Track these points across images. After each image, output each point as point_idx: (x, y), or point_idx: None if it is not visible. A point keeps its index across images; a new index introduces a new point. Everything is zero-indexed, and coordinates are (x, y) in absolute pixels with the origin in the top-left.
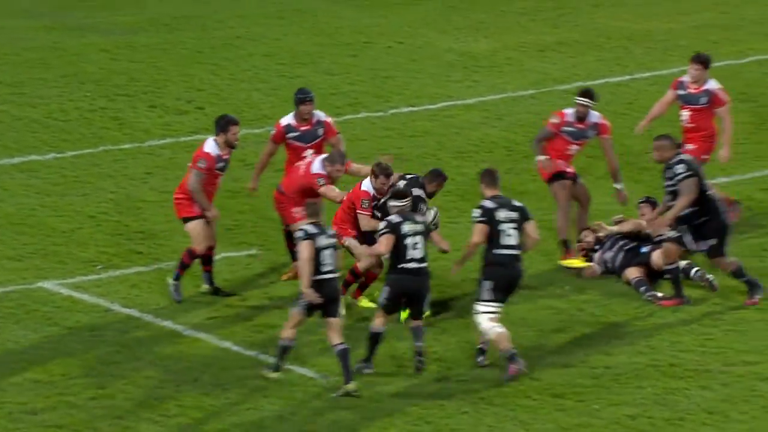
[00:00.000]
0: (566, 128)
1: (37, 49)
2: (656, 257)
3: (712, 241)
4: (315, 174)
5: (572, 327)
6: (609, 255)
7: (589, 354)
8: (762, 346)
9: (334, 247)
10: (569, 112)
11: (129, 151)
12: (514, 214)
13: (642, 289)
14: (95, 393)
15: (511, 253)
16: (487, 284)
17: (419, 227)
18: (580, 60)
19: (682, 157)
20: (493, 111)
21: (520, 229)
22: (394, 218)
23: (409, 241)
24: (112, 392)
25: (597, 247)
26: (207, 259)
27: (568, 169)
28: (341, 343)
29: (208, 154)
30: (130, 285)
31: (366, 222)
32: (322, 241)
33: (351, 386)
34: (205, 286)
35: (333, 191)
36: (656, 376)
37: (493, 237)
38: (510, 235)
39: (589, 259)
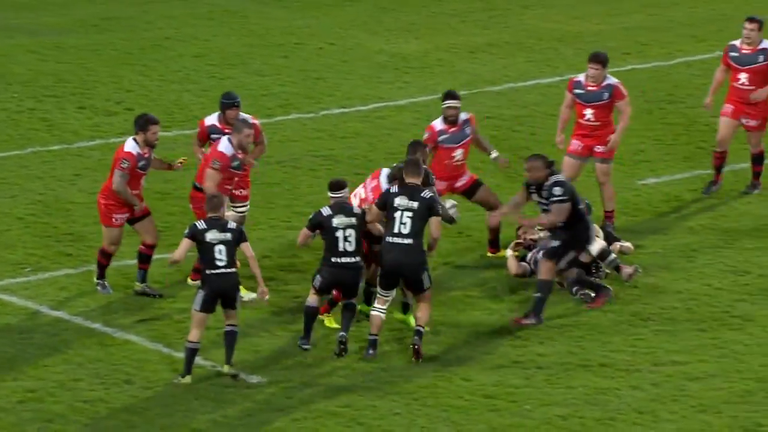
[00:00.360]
0: (442, 137)
1: None
2: (584, 256)
3: (556, 244)
4: (219, 153)
5: (505, 328)
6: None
7: (521, 355)
8: (691, 346)
9: (226, 242)
10: (437, 122)
11: (57, 152)
12: (413, 204)
13: (574, 289)
14: (24, 396)
15: (397, 241)
16: (379, 270)
17: (352, 220)
18: (510, 61)
19: (560, 179)
20: (424, 112)
21: (416, 219)
22: (324, 210)
23: (340, 234)
24: (41, 395)
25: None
26: (145, 258)
27: (458, 184)
28: (231, 325)
29: (129, 153)
30: (59, 287)
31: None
32: (213, 235)
33: (226, 368)
34: (138, 284)
35: (210, 180)
36: (587, 376)
37: (388, 224)
38: (404, 224)
39: (524, 257)
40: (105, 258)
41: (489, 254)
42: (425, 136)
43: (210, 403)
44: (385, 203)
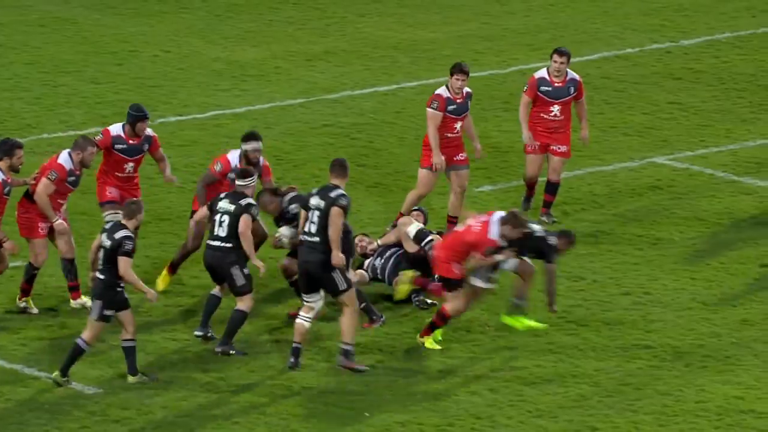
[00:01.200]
0: (231, 174)
1: None
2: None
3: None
4: (58, 165)
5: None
6: (379, 262)
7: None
8: (527, 352)
9: (104, 247)
10: (233, 157)
11: None
12: (321, 203)
13: (412, 295)
14: None
15: (306, 239)
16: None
17: (230, 207)
18: (348, 69)
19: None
20: (261, 120)
21: (324, 217)
22: (221, 194)
23: (217, 217)
24: None
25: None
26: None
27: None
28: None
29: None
30: None
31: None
32: (104, 239)
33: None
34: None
35: (43, 190)
36: (426, 382)
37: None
38: (313, 223)
39: (361, 265)
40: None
41: None
42: (216, 167)
43: (44, 414)
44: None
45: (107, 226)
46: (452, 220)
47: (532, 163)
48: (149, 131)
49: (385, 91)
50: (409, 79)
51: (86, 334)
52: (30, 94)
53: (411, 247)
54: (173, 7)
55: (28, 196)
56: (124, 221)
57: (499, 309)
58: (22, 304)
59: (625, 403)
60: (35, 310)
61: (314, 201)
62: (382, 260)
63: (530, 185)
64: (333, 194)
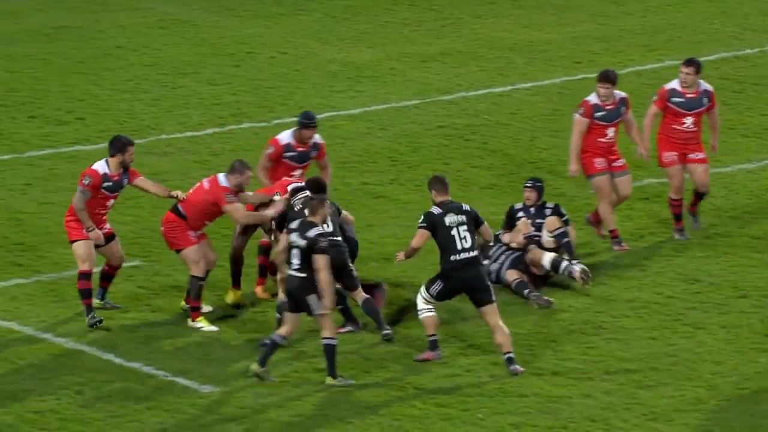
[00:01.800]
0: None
1: None
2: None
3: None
4: (222, 188)
5: (457, 336)
6: (494, 267)
7: (474, 363)
8: (642, 354)
9: (298, 247)
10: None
11: (8, 162)
12: (462, 218)
13: (525, 291)
14: None
15: (465, 257)
16: (438, 284)
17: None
18: (462, 70)
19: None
20: (376, 121)
21: (471, 231)
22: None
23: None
24: None
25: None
26: (107, 276)
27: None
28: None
29: (94, 171)
30: (10, 297)
31: None
32: (294, 238)
33: (329, 380)
34: (97, 301)
35: (238, 211)
36: (539, 384)
37: (443, 242)
38: (463, 238)
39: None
40: (86, 281)
41: None
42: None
43: (162, 413)
44: (433, 225)
45: (294, 225)
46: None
47: (675, 175)
48: (317, 138)
49: (500, 92)
50: (524, 80)
51: (284, 330)
52: (149, 96)
53: (538, 270)
54: (290, 9)
55: (176, 210)
56: (310, 218)
57: (613, 310)
58: (197, 322)
59: (742, 407)
60: (209, 308)
61: (451, 219)
62: (498, 264)
63: (677, 207)
64: (468, 208)
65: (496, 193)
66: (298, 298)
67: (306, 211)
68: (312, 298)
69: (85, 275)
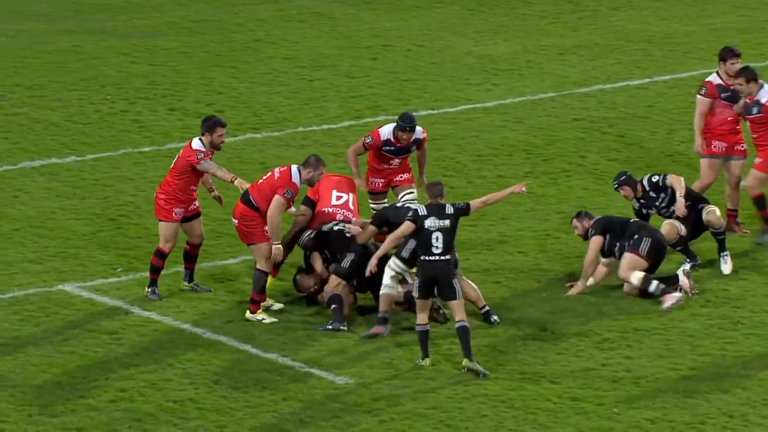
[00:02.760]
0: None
1: (56, 52)
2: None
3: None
4: (291, 183)
5: (593, 330)
6: None
7: (609, 357)
8: None
9: (441, 230)
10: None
11: (149, 154)
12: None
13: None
14: (115, 396)
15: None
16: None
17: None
18: (599, 63)
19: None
20: (512, 114)
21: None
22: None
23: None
24: (131, 395)
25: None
26: (190, 257)
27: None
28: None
29: (201, 151)
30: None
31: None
32: (432, 222)
33: (465, 362)
34: (185, 283)
35: (275, 206)
36: (676, 379)
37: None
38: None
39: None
40: (160, 259)
41: None
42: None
43: (297, 404)
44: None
45: (422, 212)
46: (731, 213)
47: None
48: (419, 133)
49: (638, 85)
50: (662, 72)
51: (460, 315)
52: (287, 89)
53: (627, 288)
54: (427, 2)
55: (248, 202)
56: (438, 201)
57: (752, 305)
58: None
59: None
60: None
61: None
62: None
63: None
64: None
65: None
66: (444, 282)
67: (429, 197)
68: (456, 282)
69: (161, 254)
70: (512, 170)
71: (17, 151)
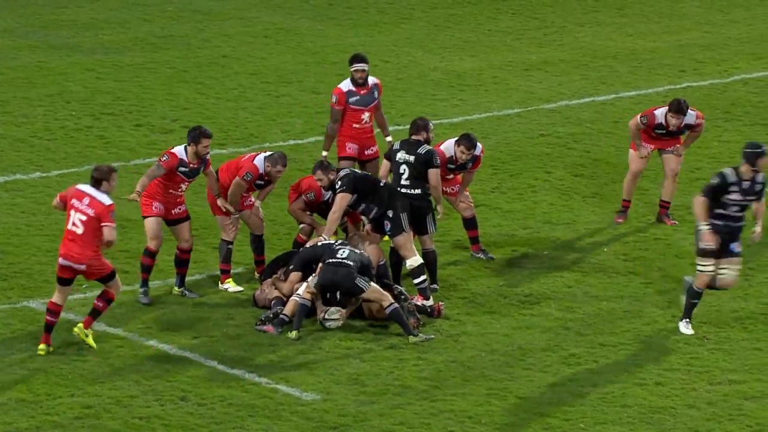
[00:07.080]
0: (352, 98)
1: (21, 68)
2: None
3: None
4: (252, 166)
5: (560, 345)
6: None
7: (576, 373)
8: (747, 365)
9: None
10: (344, 84)
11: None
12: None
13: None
14: (80, 412)
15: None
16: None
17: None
18: (565, 79)
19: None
20: (478, 130)
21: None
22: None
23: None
24: (97, 412)
25: None
26: (180, 262)
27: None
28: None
29: (173, 153)
30: (117, 303)
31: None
32: None
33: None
34: (176, 289)
35: (233, 188)
36: (642, 395)
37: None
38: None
39: None
40: (149, 258)
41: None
42: (333, 99)
43: (264, 420)
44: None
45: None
46: (664, 204)
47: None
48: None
49: (603, 101)
50: (627, 88)
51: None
52: (253, 104)
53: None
54: (393, 18)
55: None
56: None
57: (718, 321)
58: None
59: None
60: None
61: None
62: None
63: None
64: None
65: (599, 202)
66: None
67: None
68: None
69: (149, 253)
70: (479, 186)
71: None
